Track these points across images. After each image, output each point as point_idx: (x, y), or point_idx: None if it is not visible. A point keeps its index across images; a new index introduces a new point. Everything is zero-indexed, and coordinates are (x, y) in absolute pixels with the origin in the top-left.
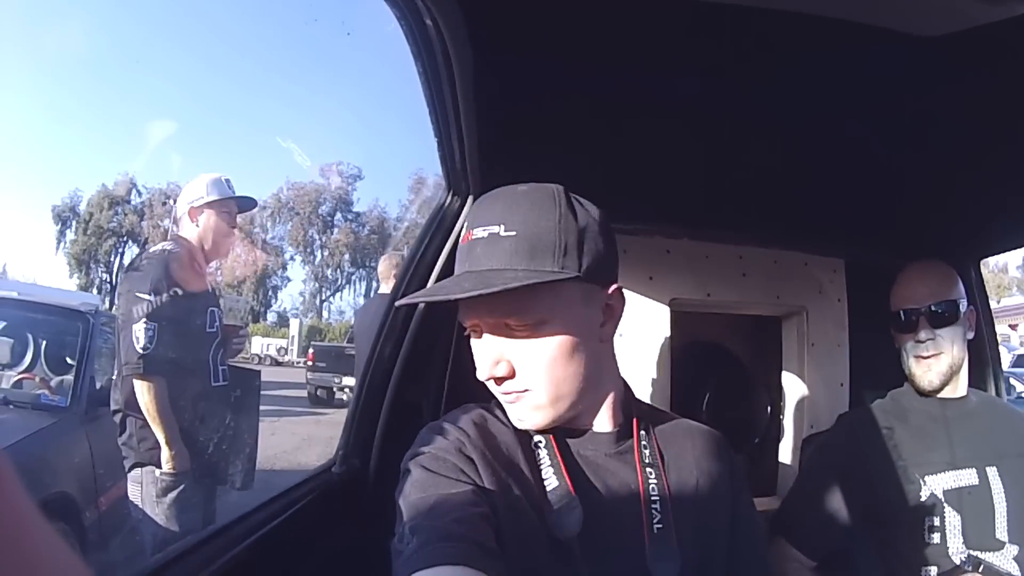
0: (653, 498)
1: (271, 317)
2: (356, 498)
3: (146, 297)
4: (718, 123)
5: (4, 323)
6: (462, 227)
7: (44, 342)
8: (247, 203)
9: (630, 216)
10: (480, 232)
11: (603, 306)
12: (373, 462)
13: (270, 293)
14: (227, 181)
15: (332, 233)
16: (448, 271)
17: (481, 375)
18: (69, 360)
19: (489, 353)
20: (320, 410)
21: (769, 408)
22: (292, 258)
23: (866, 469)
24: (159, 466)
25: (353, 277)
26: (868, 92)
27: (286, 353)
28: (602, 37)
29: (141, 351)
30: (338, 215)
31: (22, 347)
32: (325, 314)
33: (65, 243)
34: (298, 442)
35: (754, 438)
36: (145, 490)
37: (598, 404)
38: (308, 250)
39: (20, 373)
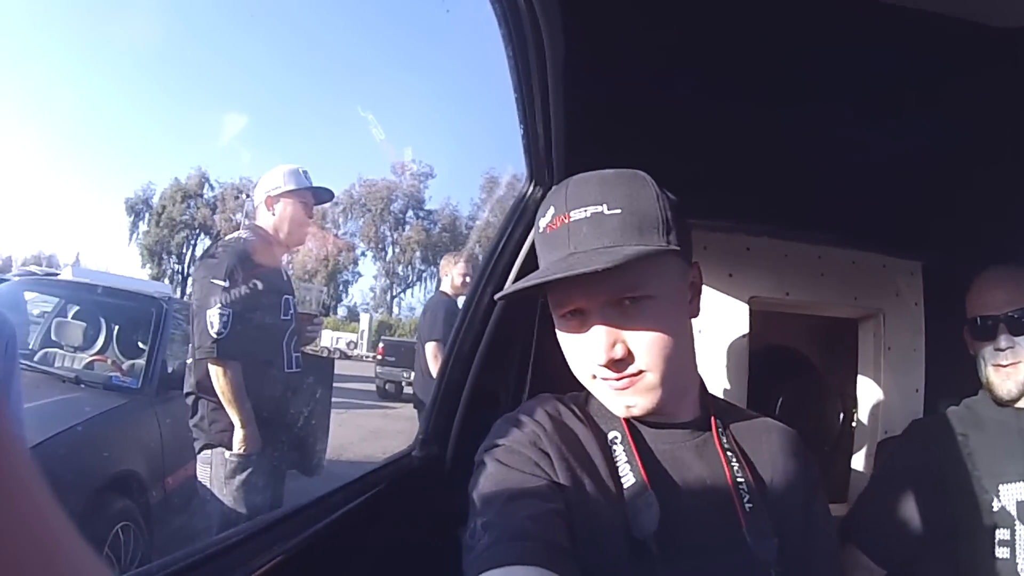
0: (739, 480)
1: (341, 311)
2: (433, 484)
3: (220, 283)
4: (801, 123)
5: (77, 307)
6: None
7: (116, 327)
8: (324, 194)
9: (712, 212)
10: (580, 213)
11: (690, 283)
12: (450, 450)
13: (340, 288)
14: (304, 172)
15: (404, 230)
16: (531, 260)
17: (596, 361)
18: (141, 345)
19: (602, 337)
20: (388, 404)
21: (842, 414)
22: (363, 254)
23: (938, 476)
24: (229, 448)
25: (424, 275)
26: (953, 94)
27: (355, 347)
28: (692, 32)
29: (215, 336)
30: (410, 213)
31: (95, 331)
32: (396, 310)
33: (138, 234)
34: (365, 434)
35: (825, 445)
36: (214, 471)
37: (683, 392)
38: (379, 246)
39: (92, 355)
